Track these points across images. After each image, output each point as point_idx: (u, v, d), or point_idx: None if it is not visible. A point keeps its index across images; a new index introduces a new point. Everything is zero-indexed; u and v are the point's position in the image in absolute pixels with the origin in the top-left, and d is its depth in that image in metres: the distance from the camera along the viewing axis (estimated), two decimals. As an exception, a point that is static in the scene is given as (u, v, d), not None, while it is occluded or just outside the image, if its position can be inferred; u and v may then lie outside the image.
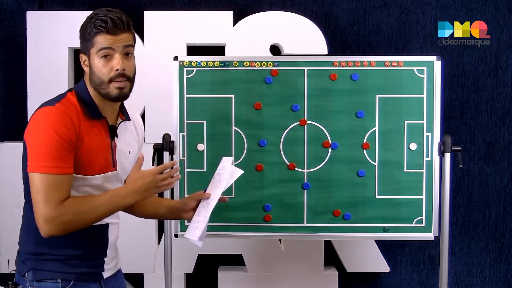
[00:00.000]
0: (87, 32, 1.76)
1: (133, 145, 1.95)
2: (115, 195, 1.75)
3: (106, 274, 1.91)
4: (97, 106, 1.81)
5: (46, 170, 1.68)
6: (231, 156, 2.69)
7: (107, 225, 1.88)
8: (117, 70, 1.75)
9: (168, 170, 1.80)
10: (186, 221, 2.70)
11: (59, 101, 1.77)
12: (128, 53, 1.79)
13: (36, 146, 1.70)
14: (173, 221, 2.71)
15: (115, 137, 1.86)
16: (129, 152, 1.92)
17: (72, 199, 1.72)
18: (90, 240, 1.84)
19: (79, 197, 1.75)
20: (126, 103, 1.94)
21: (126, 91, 1.80)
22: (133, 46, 1.81)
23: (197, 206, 1.97)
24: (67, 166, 1.71)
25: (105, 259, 1.90)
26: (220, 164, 1.99)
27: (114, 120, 1.88)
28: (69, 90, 1.85)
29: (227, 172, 1.95)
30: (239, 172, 1.96)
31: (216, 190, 1.93)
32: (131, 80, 1.81)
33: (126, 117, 1.92)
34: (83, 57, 1.81)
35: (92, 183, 1.80)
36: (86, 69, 1.81)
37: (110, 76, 1.76)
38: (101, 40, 1.74)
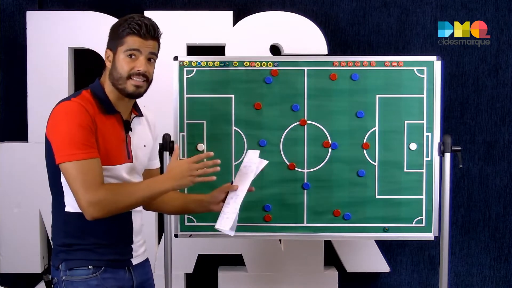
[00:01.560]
0: (120, 31, 1.88)
1: (148, 139, 2.07)
2: (154, 181, 1.85)
3: (135, 261, 1.99)
4: (111, 101, 1.92)
5: (76, 157, 1.77)
6: (232, 156, 2.69)
7: (130, 212, 1.96)
8: (138, 70, 1.89)
9: (204, 160, 1.88)
10: (186, 220, 2.70)
11: (75, 96, 1.87)
12: (150, 59, 1.93)
13: (61, 138, 1.79)
14: (173, 221, 2.71)
15: (129, 131, 1.97)
16: (144, 146, 2.03)
17: (111, 184, 1.84)
18: (116, 228, 1.92)
19: (117, 183, 1.87)
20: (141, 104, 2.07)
21: (142, 91, 1.93)
22: (156, 55, 1.97)
23: (225, 198, 2.03)
24: (94, 151, 1.81)
25: (132, 246, 1.98)
26: (246, 157, 2.07)
27: (128, 116, 1.99)
28: (84, 89, 1.95)
29: (254, 165, 2.03)
30: (265, 162, 2.04)
31: (245, 181, 2.02)
32: (148, 82, 1.95)
33: (139, 113, 2.03)
34: (108, 53, 1.93)
35: (108, 173, 1.88)
36: (108, 64, 1.92)
37: (130, 73, 1.88)
38: (131, 41, 1.88)
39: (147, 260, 2.09)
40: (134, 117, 2.01)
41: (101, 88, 1.92)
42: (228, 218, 1.95)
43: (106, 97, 1.91)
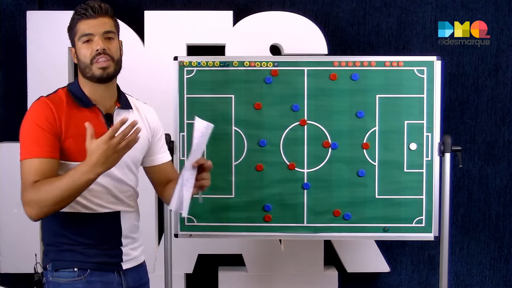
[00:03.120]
0: (70, 23, 1.86)
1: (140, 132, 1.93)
2: (75, 171, 1.68)
3: (126, 265, 1.92)
4: (86, 95, 1.87)
5: (23, 156, 1.75)
6: (232, 156, 2.69)
7: (118, 212, 1.89)
8: (97, 50, 1.81)
9: (120, 130, 1.66)
10: (186, 220, 2.70)
11: (49, 95, 1.86)
12: (109, 38, 1.85)
13: (20, 137, 1.78)
14: (173, 221, 2.71)
15: (112, 125, 1.85)
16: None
17: (40, 181, 1.72)
18: (102, 228, 1.87)
19: (44, 180, 1.72)
20: (132, 98, 2.01)
21: (110, 71, 1.84)
22: (114, 33, 1.88)
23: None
24: (44, 151, 1.74)
25: (122, 248, 1.91)
26: (195, 130, 1.83)
27: (111, 108, 1.91)
28: (62, 87, 1.93)
29: (204, 137, 1.81)
30: (211, 126, 1.80)
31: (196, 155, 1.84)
32: (114, 61, 1.85)
33: (124, 106, 1.94)
34: (72, 51, 1.89)
35: None
36: (75, 60, 1.88)
37: (91, 57, 1.82)
38: (82, 26, 1.83)
39: (142, 265, 2.00)
40: (116, 109, 1.91)
41: (76, 84, 1.89)
42: (186, 200, 1.81)
43: (81, 91, 1.86)
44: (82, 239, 1.84)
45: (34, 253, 3.23)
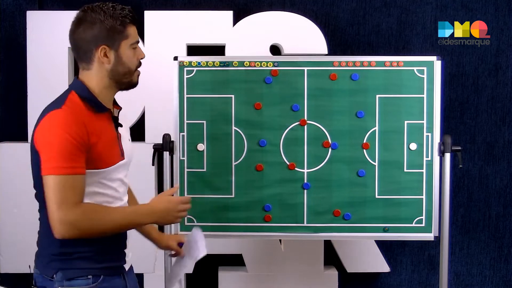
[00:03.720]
0: (117, 24, 1.79)
1: (128, 131, 2.00)
2: (136, 212, 1.78)
3: (127, 267, 1.93)
4: (99, 100, 1.82)
5: (60, 171, 1.67)
6: (232, 156, 2.69)
7: None
8: (142, 58, 1.88)
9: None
10: (186, 220, 2.71)
11: (64, 103, 1.76)
12: None
13: (49, 149, 1.69)
14: (173, 221, 2.71)
15: (119, 127, 1.89)
16: (129, 139, 1.97)
17: (89, 205, 1.72)
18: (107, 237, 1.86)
19: (96, 204, 1.75)
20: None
21: None
22: None
23: (173, 246, 2.13)
24: (80, 166, 1.71)
25: (125, 250, 1.93)
26: (193, 236, 2.07)
27: (112, 111, 1.90)
28: (67, 91, 1.84)
29: (202, 247, 2.07)
30: (203, 254, 2.06)
31: (190, 260, 2.10)
32: None
33: (120, 107, 1.95)
34: (104, 49, 1.79)
35: (106, 176, 1.80)
36: (106, 61, 1.80)
37: (136, 65, 1.87)
38: (133, 31, 1.84)
39: (131, 265, 2.01)
40: (119, 111, 1.92)
41: (85, 88, 1.81)
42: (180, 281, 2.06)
43: (94, 96, 1.81)
44: (94, 247, 1.80)
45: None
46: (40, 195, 1.81)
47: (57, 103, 1.77)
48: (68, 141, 1.68)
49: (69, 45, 3.26)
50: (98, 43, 1.79)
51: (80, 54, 1.83)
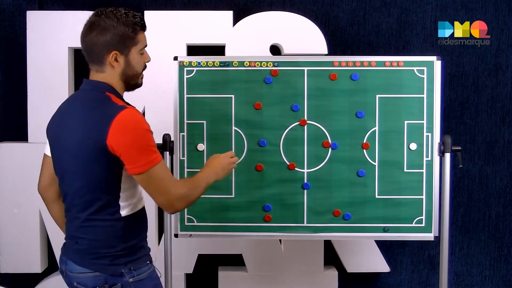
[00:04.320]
0: (130, 31, 1.90)
1: None
2: (205, 174, 2.02)
3: None
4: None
5: (156, 161, 1.84)
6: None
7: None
8: (147, 62, 2.01)
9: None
10: (186, 220, 2.71)
11: (122, 102, 1.91)
12: None
13: (140, 148, 1.82)
14: (173, 221, 2.71)
15: None
16: None
17: (181, 180, 1.96)
18: (146, 217, 2.05)
19: (186, 178, 2.02)
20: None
21: None
22: None
23: None
24: (159, 153, 1.91)
25: None
26: None
27: None
28: (102, 93, 1.91)
29: None
30: None
31: None
32: None
33: None
34: (116, 55, 1.90)
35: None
36: (116, 64, 1.91)
37: (143, 68, 2.00)
38: (142, 37, 1.96)
39: None
40: None
41: (113, 88, 1.94)
42: None
43: (121, 96, 1.97)
44: (143, 234, 1.99)
45: (38, 254, 3.24)
46: (107, 194, 1.88)
47: (116, 106, 1.85)
48: (150, 133, 1.86)
49: (69, 45, 3.27)
50: (110, 48, 1.90)
51: (93, 57, 1.93)
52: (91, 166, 1.85)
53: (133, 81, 1.98)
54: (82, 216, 1.90)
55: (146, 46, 1.98)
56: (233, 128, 2.70)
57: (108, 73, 1.93)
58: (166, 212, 1.94)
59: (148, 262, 1.98)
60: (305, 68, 2.70)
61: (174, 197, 1.86)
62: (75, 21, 3.18)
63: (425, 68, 2.68)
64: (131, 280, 1.90)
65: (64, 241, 2.03)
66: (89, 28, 1.91)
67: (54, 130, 1.98)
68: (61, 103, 2.04)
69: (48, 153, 2.05)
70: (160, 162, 1.85)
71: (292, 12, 3.28)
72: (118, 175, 1.88)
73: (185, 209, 2.68)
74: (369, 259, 3.41)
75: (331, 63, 2.70)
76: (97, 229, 1.90)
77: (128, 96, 2.07)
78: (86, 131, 1.84)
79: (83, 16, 3.42)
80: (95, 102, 1.89)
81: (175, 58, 2.71)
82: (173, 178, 1.90)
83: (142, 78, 2.01)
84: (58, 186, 2.04)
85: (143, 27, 1.95)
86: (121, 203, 1.90)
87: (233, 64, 2.70)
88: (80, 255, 1.92)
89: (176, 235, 2.73)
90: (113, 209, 1.89)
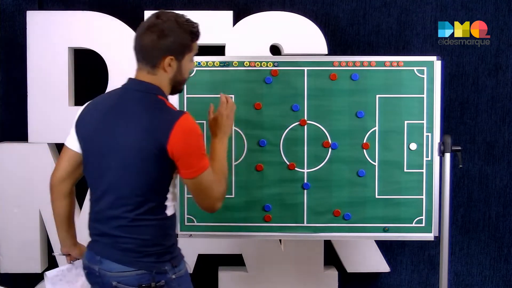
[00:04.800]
0: (189, 39, 1.95)
1: None
2: (220, 148, 2.10)
3: None
4: None
5: (208, 164, 1.91)
6: (231, 156, 2.69)
7: None
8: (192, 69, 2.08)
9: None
10: (186, 220, 2.71)
11: (177, 107, 2.02)
12: None
13: (198, 152, 1.88)
14: (173, 221, 2.71)
15: None
16: None
17: (216, 172, 1.97)
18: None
19: (215, 171, 1.99)
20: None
21: None
22: None
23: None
24: None
25: None
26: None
27: None
28: (154, 96, 1.93)
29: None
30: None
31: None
32: None
33: None
34: (171, 60, 1.93)
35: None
36: (169, 69, 1.94)
37: (189, 75, 2.07)
38: (196, 46, 2.00)
39: None
40: None
41: (164, 93, 1.96)
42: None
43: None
44: (175, 233, 2.04)
45: (38, 254, 3.24)
46: (156, 194, 1.91)
47: (178, 111, 1.91)
48: (202, 141, 1.90)
49: (69, 45, 3.25)
50: (167, 53, 1.92)
51: (146, 58, 1.93)
52: (148, 168, 1.86)
53: (179, 87, 2.02)
54: (130, 216, 1.90)
55: (196, 54, 2.03)
56: (233, 128, 2.70)
57: (159, 76, 1.94)
58: (207, 212, 1.97)
59: (183, 258, 2.03)
60: (305, 68, 2.70)
61: (216, 200, 1.94)
62: (75, 21, 3.22)
63: (425, 68, 2.68)
64: (173, 276, 1.94)
65: (92, 239, 2.01)
66: (148, 30, 1.91)
67: (93, 125, 1.94)
68: (95, 99, 2.04)
69: (72, 146, 2.02)
70: (209, 167, 1.91)
71: (292, 12, 3.28)
72: (170, 178, 1.93)
73: (185, 209, 2.69)
74: (369, 259, 3.41)
75: (331, 63, 2.70)
76: (146, 228, 1.92)
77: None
78: (146, 133, 1.84)
79: (83, 16, 3.41)
80: (151, 104, 1.90)
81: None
82: (215, 179, 1.94)
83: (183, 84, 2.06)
84: (73, 181, 2.06)
85: (198, 37, 1.99)
86: (167, 203, 1.95)
87: (233, 64, 2.70)
88: (123, 254, 1.91)
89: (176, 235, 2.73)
90: (161, 209, 1.94)
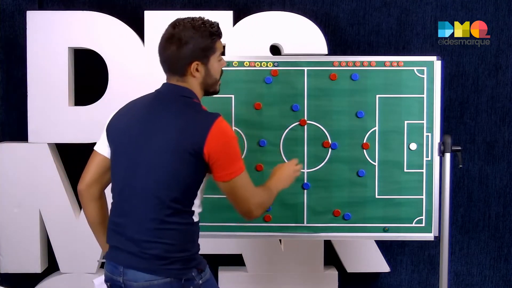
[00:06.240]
0: (209, 42, 1.93)
1: None
2: (274, 183, 2.11)
3: None
4: None
5: (243, 169, 1.91)
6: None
7: None
8: (223, 67, 2.04)
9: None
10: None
11: (213, 111, 1.94)
12: None
13: (234, 155, 1.89)
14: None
15: None
16: None
17: (261, 187, 2.03)
18: None
19: (261, 186, 2.06)
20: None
21: None
22: None
23: None
24: None
25: None
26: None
27: None
28: (190, 100, 1.94)
29: None
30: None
31: None
32: None
33: None
34: (196, 65, 1.93)
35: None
36: (197, 74, 1.94)
37: (220, 74, 2.03)
38: (219, 45, 1.98)
39: None
40: None
41: (197, 97, 1.98)
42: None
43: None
44: (198, 241, 2.00)
45: (38, 254, 3.24)
46: (185, 199, 1.90)
47: (214, 113, 1.92)
48: (237, 145, 1.91)
49: (69, 45, 3.26)
50: (191, 60, 1.92)
51: (173, 69, 1.95)
52: (181, 169, 1.85)
53: (212, 89, 2.02)
54: (159, 217, 1.86)
55: (223, 52, 2.01)
56: (233, 128, 2.70)
57: (189, 83, 1.95)
58: (244, 218, 1.96)
59: (207, 263, 2.00)
60: (305, 68, 2.70)
61: (254, 206, 1.93)
62: (75, 21, 3.22)
63: (425, 68, 2.68)
64: (200, 282, 1.92)
65: (112, 247, 1.95)
66: (168, 41, 1.93)
67: (125, 128, 1.94)
68: (127, 104, 2.04)
69: (101, 151, 2.01)
70: (245, 170, 1.91)
71: (292, 12, 3.28)
72: (200, 182, 1.92)
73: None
74: (369, 259, 3.41)
75: (331, 63, 2.70)
76: (173, 232, 1.88)
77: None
78: (182, 134, 1.84)
79: (83, 16, 3.41)
80: (186, 106, 1.91)
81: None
82: (253, 185, 1.95)
83: (219, 84, 2.04)
84: (102, 186, 2.03)
85: (220, 35, 1.96)
86: (194, 209, 1.94)
87: (233, 64, 2.70)
88: (149, 262, 1.85)
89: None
90: (188, 214, 1.92)
